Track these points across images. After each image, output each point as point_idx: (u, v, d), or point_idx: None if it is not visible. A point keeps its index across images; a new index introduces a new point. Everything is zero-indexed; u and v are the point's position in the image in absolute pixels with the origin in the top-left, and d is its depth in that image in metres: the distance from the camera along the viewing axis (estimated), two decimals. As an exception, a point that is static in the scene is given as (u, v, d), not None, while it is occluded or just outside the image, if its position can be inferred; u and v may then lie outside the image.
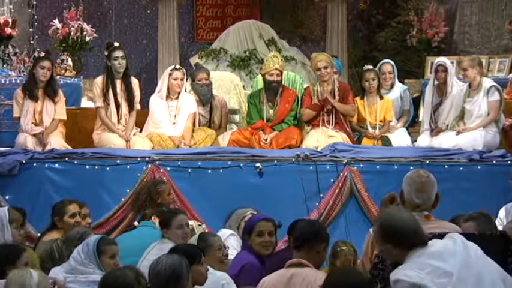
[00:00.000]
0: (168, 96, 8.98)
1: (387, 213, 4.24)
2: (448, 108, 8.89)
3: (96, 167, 8.04)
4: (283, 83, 9.17)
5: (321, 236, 4.79)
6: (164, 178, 7.86)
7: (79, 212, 6.59)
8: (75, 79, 10.36)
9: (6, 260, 4.81)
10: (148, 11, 13.22)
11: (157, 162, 8.02)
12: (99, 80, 9.00)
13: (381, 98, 9.13)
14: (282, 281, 4.58)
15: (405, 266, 3.90)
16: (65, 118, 8.84)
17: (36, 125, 8.68)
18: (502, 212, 6.80)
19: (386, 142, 8.90)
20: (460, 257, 3.89)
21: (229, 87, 9.96)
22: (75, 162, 8.08)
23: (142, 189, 7.47)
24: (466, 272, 3.85)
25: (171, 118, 8.96)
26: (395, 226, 4.00)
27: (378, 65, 9.55)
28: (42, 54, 8.93)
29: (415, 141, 9.09)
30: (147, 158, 8.08)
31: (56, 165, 8.07)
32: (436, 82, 8.95)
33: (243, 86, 10.44)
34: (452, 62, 9.43)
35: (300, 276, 4.53)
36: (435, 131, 8.87)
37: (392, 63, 9.62)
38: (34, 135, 8.62)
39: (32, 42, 11.79)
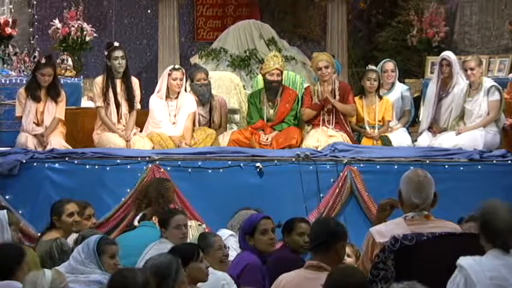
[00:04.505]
0: (167, 96, 8.98)
1: (491, 205, 4.07)
2: (448, 106, 8.85)
3: (96, 167, 8.03)
4: (283, 82, 9.17)
5: (338, 235, 4.70)
6: (164, 178, 7.86)
7: (78, 211, 6.62)
8: (75, 79, 10.36)
9: (13, 259, 4.82)
10: (149, 11, 13.22)
11: (157, 162, 8.01)
12: (99, 80, 9.00)
13: (380, 98, 9.14)
14: (303, 284, 4.52)
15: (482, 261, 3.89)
16: (63, 118, 8.82)
17: (37, 125, 8.68)
18: None
19: (386, 142, 8.91)
20: None
21: (230, 87, 9.95)
22: (76, 162, 8.06)
23: (149, 188, 7.31)
24: None
25: (171, 118, 8.95)
26: (492, 220, 3.95)
27: (380, 64, 9.57)
28: (44, 60, 8.79)
29: (415, 141, 9.09)
30: (147, 158, 8.07)
31: (56, 165, 8.06)
32: (442, 76, 8.90)
33: (243, 86, 10.43)
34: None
35: (320, 281, 4.47)
36: (435, 129, 8.85)
37: (394, 62, 9.65)
38: (35, 135, 8.62)
39: (32, 42, 11.78)
